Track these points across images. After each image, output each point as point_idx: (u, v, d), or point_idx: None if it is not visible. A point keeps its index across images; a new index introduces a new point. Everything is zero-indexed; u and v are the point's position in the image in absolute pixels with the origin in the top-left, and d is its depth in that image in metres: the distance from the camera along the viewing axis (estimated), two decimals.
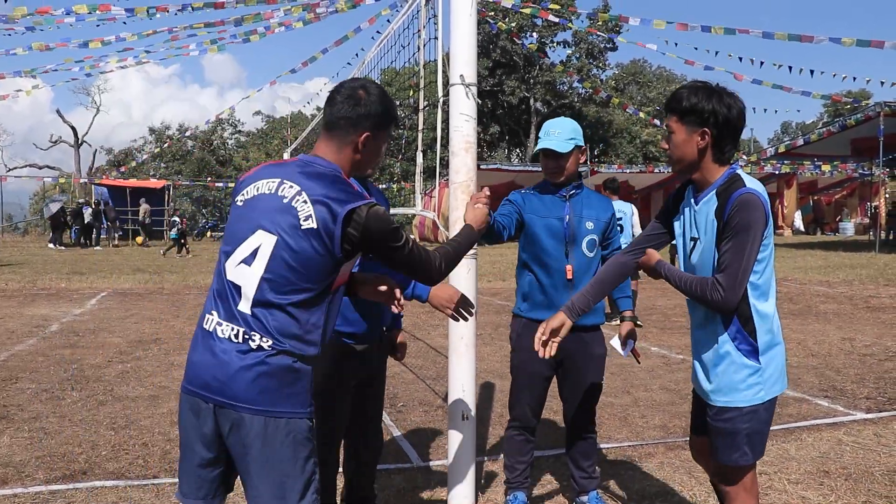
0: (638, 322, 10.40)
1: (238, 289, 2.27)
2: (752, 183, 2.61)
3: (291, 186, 2.29)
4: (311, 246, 2.22)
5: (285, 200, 2.27)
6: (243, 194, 2.39)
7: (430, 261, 2.48)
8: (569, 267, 3.68)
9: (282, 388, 2.24)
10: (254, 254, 2.26)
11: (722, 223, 2.59)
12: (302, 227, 2.22)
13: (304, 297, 2.25)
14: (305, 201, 2.25)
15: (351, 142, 2.42)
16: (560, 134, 3.65)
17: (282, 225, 2.25)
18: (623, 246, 11.31)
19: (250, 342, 2.22)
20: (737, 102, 2.64)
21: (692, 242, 2.78)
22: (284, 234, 2.24)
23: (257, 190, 2.35)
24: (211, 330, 2.29)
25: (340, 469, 3.46)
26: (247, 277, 2.26)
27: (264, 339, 2.22)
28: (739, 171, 2.66)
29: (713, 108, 2.61)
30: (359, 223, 2.26)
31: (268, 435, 2.22)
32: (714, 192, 2.66)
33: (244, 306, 2.25)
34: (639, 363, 4.16)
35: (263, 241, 2.26)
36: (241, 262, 2.28)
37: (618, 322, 3.90)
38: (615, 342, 3.81)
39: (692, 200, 2.78)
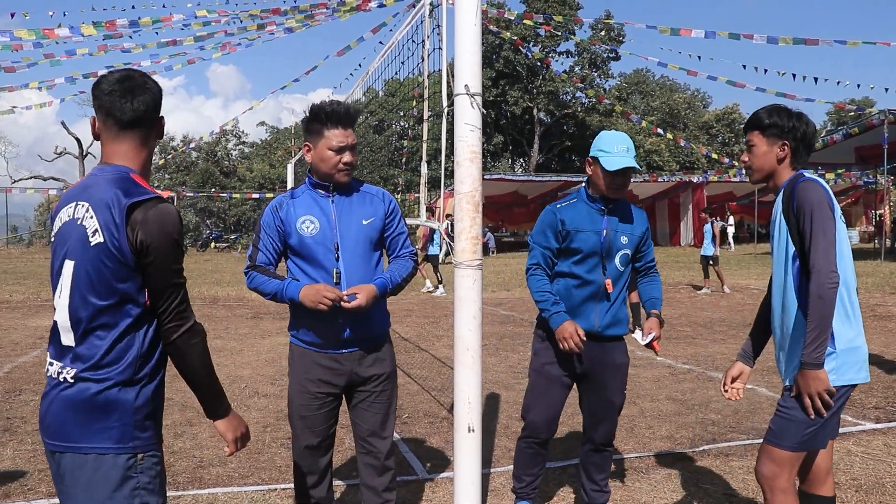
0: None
1: (57, 324, 2.19)
2: (812, 176, 2.88)
3: (82, 205, 2.17)
4: (102, 261, 2.10)
5: (78, 221, 2.16)
6: (54, 229, 2.28)
7: (190, 312, 2.23)
8: (608, 281, 3.64)
9: (89, 423, 2.11)
10: (63, 286, 2.17)
11: (790, 213, 2.83)
12: (91, 244, 2.11)
13: (108, 320, 2.13)
14: (92, 216, 2.13)
15: (155, 129, 2.31)
16: (630, 150, 3.64)
17: (77, 247, 2.15)
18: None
19: (61, 376, 2.14)
20: (811, 123, 2.99)
21: (772, 240, 3.01)
22: (79, 255, 2.14)
23: (61, 221, 2.23)
24: (45, 370, 2.25)
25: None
26: (61, 311, 2.17)
27: (69, 370, 2.13)
28: (805, 172, 2.96)
29: (793, 125, 2.94)
30: (138, 220, 2.10)
31: (74, 472, 2.13)
32: (782, 188, 2.94)
33: (64, 339, 2.16)
34: (657, 355, 4.10)
35: (66, 270, 2.17)
36: (58, 298, 2.19)
37: (639, 329, 3.87)
38: (637, 334, 3.80)
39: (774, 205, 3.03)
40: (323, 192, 3.26)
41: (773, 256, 3.00)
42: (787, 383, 2.89)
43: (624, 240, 3.70)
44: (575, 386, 3.84)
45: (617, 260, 3.69)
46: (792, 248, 2.83)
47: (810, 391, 2.72)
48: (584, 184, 3.82)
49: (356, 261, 3.22)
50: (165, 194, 38.90)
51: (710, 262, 16.03)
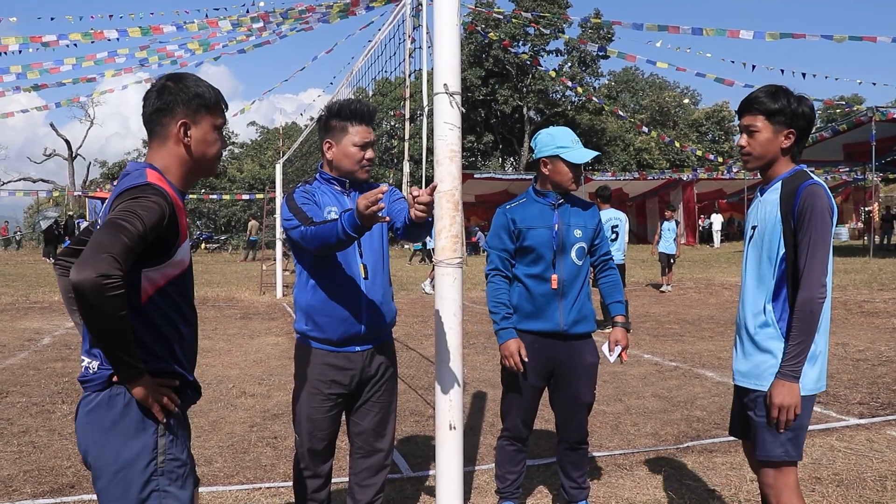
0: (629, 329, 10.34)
1: None
2: (818, 179, 2.72)
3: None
4: None
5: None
6: None
7: (99, 259, 1.86)
8: (554, 276, 3.66)
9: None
10: None
11: (791, 214, 2.69)
12: None
13: None
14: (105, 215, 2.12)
15: (170, 134, 2.27)
16: (580, 143, 3.69)
17: None
18: (613, 252, 11.10)
19: (85, 370, 2.13)
20: (813, 108, 2.80)
21: (752, 231, 2.88)
22: None
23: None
24: None
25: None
26: None
27: (90, 360, 2.12)
28: (805, 168, 2.79)
29: (802, 111, 2.75)
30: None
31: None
32: (780, 181, 2.78)
33: None
34: (621, 363, 4.09)
35: None
36: None
37: (610, 329, 3.87)
38: (605, 348, 3.80)
39: (758, 193, 2.91)
40: (339, 189, 3.28)
41: (748, 248, 2.88)
42: (750, 386, 2.80)
43: (578, 233, 3.72)
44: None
45: (573, 254, 3.71)
46: (783, 250, 2.72)
47: (784, 403, 2.64)
48: (532, 183, 3.86)
49: (375, 255, 3.27)
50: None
51: (672, 260, 16.13)
